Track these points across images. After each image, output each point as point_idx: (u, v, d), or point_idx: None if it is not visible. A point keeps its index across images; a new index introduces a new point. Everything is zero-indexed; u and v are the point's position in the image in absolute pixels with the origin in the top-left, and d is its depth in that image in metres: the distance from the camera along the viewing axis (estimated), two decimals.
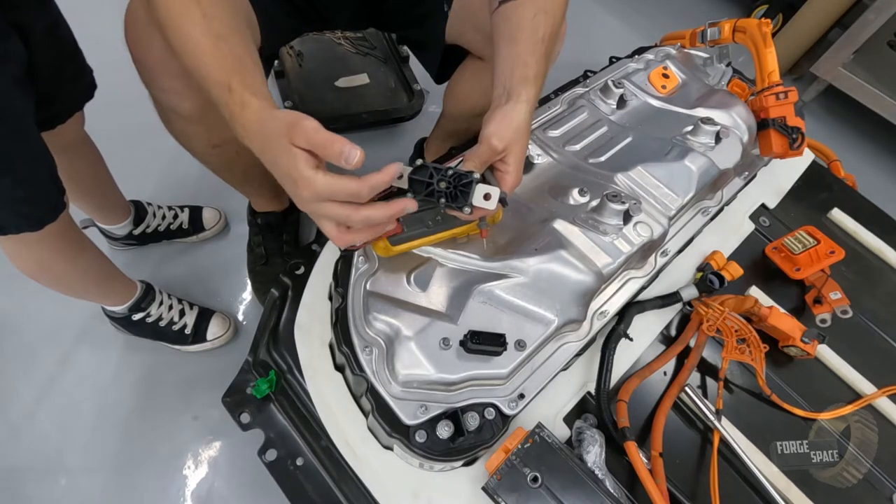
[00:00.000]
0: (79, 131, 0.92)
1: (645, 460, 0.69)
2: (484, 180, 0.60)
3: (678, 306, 0.89)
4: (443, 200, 0.58)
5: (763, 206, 1.09)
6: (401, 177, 0.61)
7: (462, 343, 0.64)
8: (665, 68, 1.06)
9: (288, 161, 0.49)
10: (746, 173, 1.03)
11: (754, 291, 0.96)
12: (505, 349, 0.64)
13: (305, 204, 0.51)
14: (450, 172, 0.58)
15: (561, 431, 0.75)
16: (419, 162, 0.59)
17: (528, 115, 0.60)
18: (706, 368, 0.87)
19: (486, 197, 0.58)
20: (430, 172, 0.58)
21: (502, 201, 0.60)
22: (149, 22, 0.64)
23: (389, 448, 0.70)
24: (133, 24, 0.67)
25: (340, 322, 0.67)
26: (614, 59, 1.23)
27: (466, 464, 0.70)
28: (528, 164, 0.85)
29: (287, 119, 0.49)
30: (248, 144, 0.55)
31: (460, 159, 0.60)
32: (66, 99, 0.80)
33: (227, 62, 0.54)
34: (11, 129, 0.62)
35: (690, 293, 0.87)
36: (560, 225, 0.75)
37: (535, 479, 0.63)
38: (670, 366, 0.84)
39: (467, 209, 0.58)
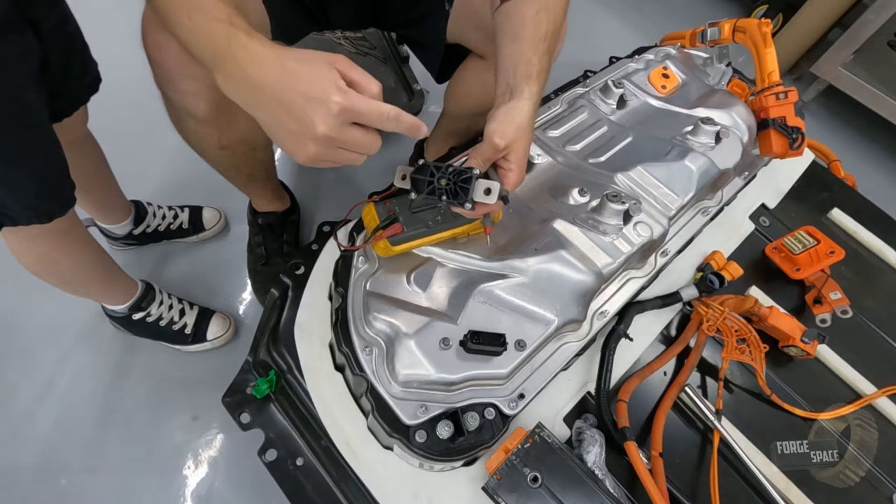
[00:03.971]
0: (82, 128, 0.92)
1: (645, 460, 0.69)
2: (486, 177, 0.60)
3: (678, 306, 0.89)
4: (444, 198, 0.59)
5: (763, 206, 1.09)
6: (404, 177, 0.61)
7: (462, 343, 0.64)
8: (665, 68, 1.06)
9: (321, 77, 0.48)
10: (746, 173, 1.03)
11: (754, 291, 0.96)
12: (505, 349, 0.64)
13: (329, 128, 0.48)
14: (450, 170, 0.58)
15: (561, 431, 0.75)
16: (421, 161, 0.59)
17: (531, 112, 0.60)
18: (706, 368, 0.87)
19: (487, 192, 0.59)
20: (430, 171, 0.58)
21: (504, 199, 0.60)
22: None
23: (389, 448, 0.70)
24: (151, 27, 0.67)
25: (340, 322, 0.67)
26: (614, 59, 1.23)
27: (466, 464, 0.70)
28: (529, 164, 0.85)
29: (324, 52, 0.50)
30: (251, 71, 0.49)
31: (464, 158, 0.61)
32: (72, 93, 0.81)
33: (227, 7, 0.51)
34: (29, 123, 0.62)
35: (690, 293, 0.87)
36: (560, 225, 0.75)
37: (535, 479, 0.63)
38: (670, 366, 0.84)
39: (468, 205, 0.58)
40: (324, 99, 0.48)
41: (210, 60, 0.52)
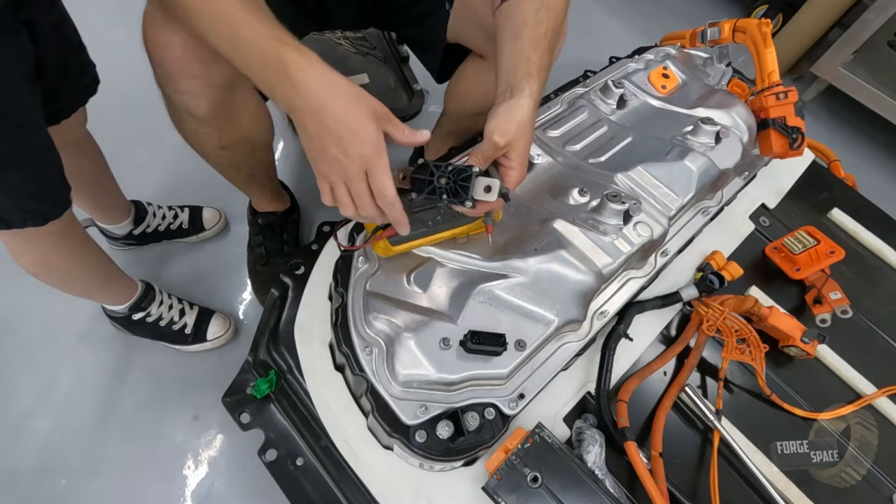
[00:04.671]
0: (81, 129, 0.92)
1: (645, 460, 0.69)
2: (486, 174, 0.60)
3: (678, 306, 0.89)
4: (444, 197, 0.59)
5: (763, 206, 1.09)
6: (403, 177, 0.61)
7: (462, 343, 0.64)
8: (665, 68, 1.06)
9: (364, 123, 0.53)
10: (746, 173, 1.03)
11: (754, 291, 0.96)
12: (505, 349, 0.64)
13: (352, 160, 0.54)
14: (449, 168, 0.58)
15: (561, 431, 0.75)
16: (420, 161, 0.59)
17: (531, 110, 0.60)
18: (706, 368, 0.87)
19: (487, 189, 0.59)
20: (430, 170, 0.58)
21: (505, 196, 0.60)
22: (166, 23, 0.64)
23: (389, 448, 0.70)
24: (151, 27, 0.67)
25: (340, 322, 0.67)
26: (614, 59, 1.23)
27: (466, 464, 0.70)
28: (529, 164, 0.85)
29: (373, 100, 0.55)
30: (294, 90, 0.54)
31: (465, 157, 0.61)
32: (70, 94, 0.81)
33: (271, 22, 0.55)
34: (22, 125, 0.62)
35: (690, 293, 0.87)
36: (560, 225, 0.75)
37: (535, 479, 0.63)
38: (670, 366, 0.84)
39: (469, 203, 0.58)
40: (358, 132, 0.53)
41: (258, 67, 0.55)
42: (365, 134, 0.53)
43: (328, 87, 0.53)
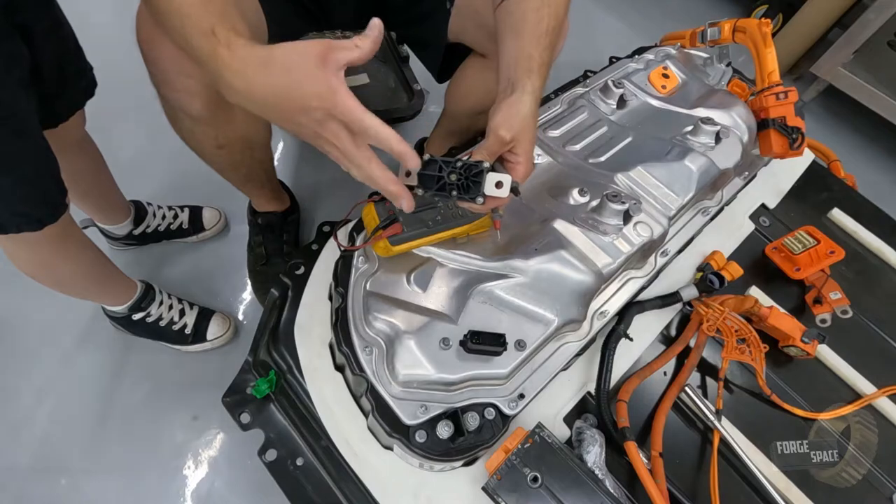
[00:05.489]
0: (80, 131, 0.92)
1: (645, 460, 0.69)
2: (494, 171, 0.60)
3: (678, 306, 0.89)
4: (455, 193, 0.58)
5: (763, 206, 1.09)
6: (408, 174, 0.60)
7: (462, 343, 0.64)
8: (665, 68, 1.06)
9: (320, 79, 0.49)
10: (746, 173, 1.03)
11: (754, 291, 0.96)
12: (505, 349, 0.64)
13: (321, 122, 0.51)
14: (459, 164, 0.57)
15: (561, 431, 0.75)
16: (427, 157, 0.58)
17: (534, 105, 0.60)
18: (706, 368, 0.87)
19: (498, 185, 0.58)
20: (439, 166, 0.58)
21: (514, 191, 0.59)
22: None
23: (389, 448, 0.70)
24: (145, 24, 0.67)
25: (340, 322, 0.67)
26: (614, 59, 1.23)
27: (466, 464, 0.70)
28: None
29: (314, 43, 0.50)
30: (236, 84, 0.51)
31: (467, 155, 0.60)
32: (67, 97, 0.81)
33: (213, 10, 0.52)
34: (15, 130, 0.62)
35: (690, 293, 0.87)
36: (560, 225, 0.75)
37: (535, 479, 0.63)
38: (670, 366, 0.84)
39: (480, 199, 0.58)
40: (323, 94, 0.49)
41: (202, 67, 0.53)
42: (318, 98, 0.49)
43: (260, 77, 0.50)
